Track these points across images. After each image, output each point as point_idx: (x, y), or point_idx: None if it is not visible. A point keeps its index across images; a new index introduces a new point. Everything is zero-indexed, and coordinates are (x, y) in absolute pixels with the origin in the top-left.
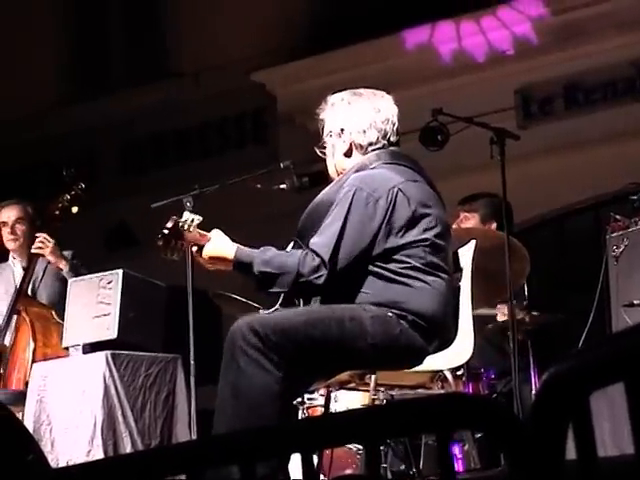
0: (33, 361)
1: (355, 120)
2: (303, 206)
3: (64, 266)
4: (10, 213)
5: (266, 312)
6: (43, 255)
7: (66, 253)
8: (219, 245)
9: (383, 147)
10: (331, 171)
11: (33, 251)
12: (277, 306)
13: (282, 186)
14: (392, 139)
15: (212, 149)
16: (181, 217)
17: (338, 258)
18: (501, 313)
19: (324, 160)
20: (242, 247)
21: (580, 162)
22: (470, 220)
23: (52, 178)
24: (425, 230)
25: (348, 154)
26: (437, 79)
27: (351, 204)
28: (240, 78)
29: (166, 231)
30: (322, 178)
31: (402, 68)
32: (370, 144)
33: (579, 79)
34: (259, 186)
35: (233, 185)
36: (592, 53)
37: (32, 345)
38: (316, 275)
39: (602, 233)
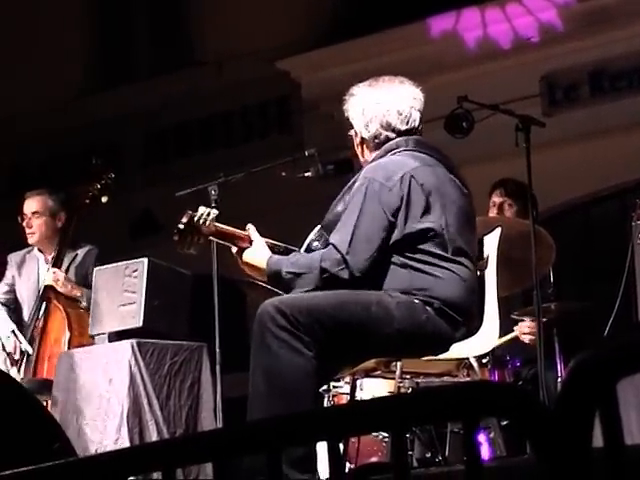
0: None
1: (358, 115)
2: (328, 194)
3: (80, 298)
4: (29, 206)
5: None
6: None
7: (88, 247)
8: (257, 255)
9: (389, 139)
10: (360, 160)
11: (47, 284)
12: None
13: (307, 174)
14: (399, 128)
15: (236, 137)
16: (196, 211)
17: (358, 250)
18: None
19: (350, 148)
20: (273, 256)
21: (605, 149)
22: (510, 210)
23: (76, 168)
24: (442, 215)
25: (361, 147)
26: (462, 66)
27: (365, 196)
28: (264, 66)
29: (181, 226)
30: (347, 166)
31: (427, 56)
32: (375, 137)
33: (605, 66)
34: (284, 174)
35: (258, 173)
36: (618, 40)
37: (68, 334)
38: (339, 268)
39: (628, 220)
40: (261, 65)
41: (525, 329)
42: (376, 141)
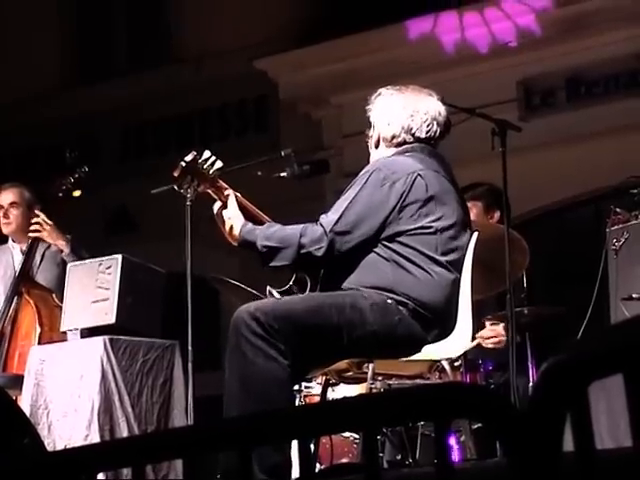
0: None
1: (382, 113)
2: (303, 194)
3: (64, 247)
4: (5, 197)
5: (277, 291)
6: (42, 239)
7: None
8: (231, 218)
9: (405, 142)
10: (371, 161)
11: (30, 235)
12: (289, 285)
13: (283, 174)
14: (419, 135)
15: (213, 136)
16: (202, 154)
17: (340, 231)
18: (479, 337)
19: (323, 148)
20: (247, 224)
21: (581, 155)
22: (472, 209)
23: (53, 161)
24: (439, 219)
25: (377, 145)
26: (439, 70)
27: (366, 183)
28: (242, 65)
29: (183, 163)
30: (323, 166)
31: (405, 58)
32: (393, 137)
33: (581, 72)
34: (259, 173)
35: (233, 172)
36: (595, 46)
37: (38, 330)
38: (317, 246)
39: (602, 226)
40: (239, 64)
41: (487, 333)
42: (393, 141)
